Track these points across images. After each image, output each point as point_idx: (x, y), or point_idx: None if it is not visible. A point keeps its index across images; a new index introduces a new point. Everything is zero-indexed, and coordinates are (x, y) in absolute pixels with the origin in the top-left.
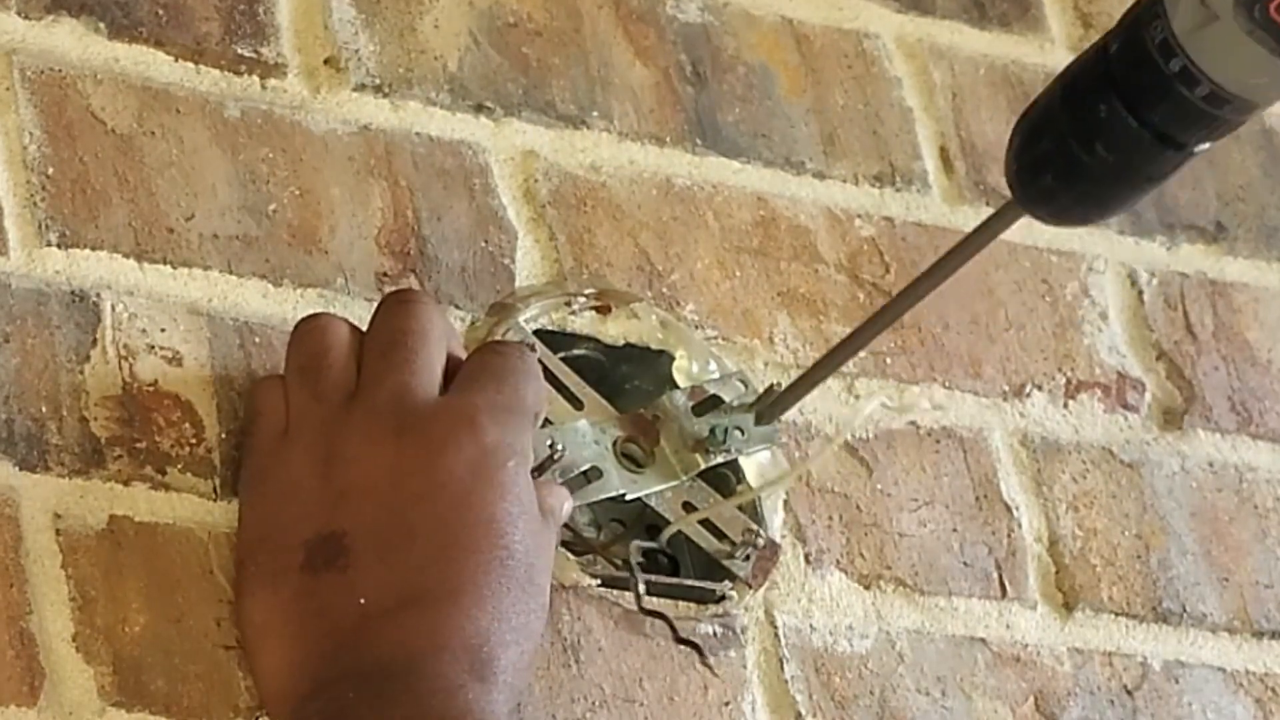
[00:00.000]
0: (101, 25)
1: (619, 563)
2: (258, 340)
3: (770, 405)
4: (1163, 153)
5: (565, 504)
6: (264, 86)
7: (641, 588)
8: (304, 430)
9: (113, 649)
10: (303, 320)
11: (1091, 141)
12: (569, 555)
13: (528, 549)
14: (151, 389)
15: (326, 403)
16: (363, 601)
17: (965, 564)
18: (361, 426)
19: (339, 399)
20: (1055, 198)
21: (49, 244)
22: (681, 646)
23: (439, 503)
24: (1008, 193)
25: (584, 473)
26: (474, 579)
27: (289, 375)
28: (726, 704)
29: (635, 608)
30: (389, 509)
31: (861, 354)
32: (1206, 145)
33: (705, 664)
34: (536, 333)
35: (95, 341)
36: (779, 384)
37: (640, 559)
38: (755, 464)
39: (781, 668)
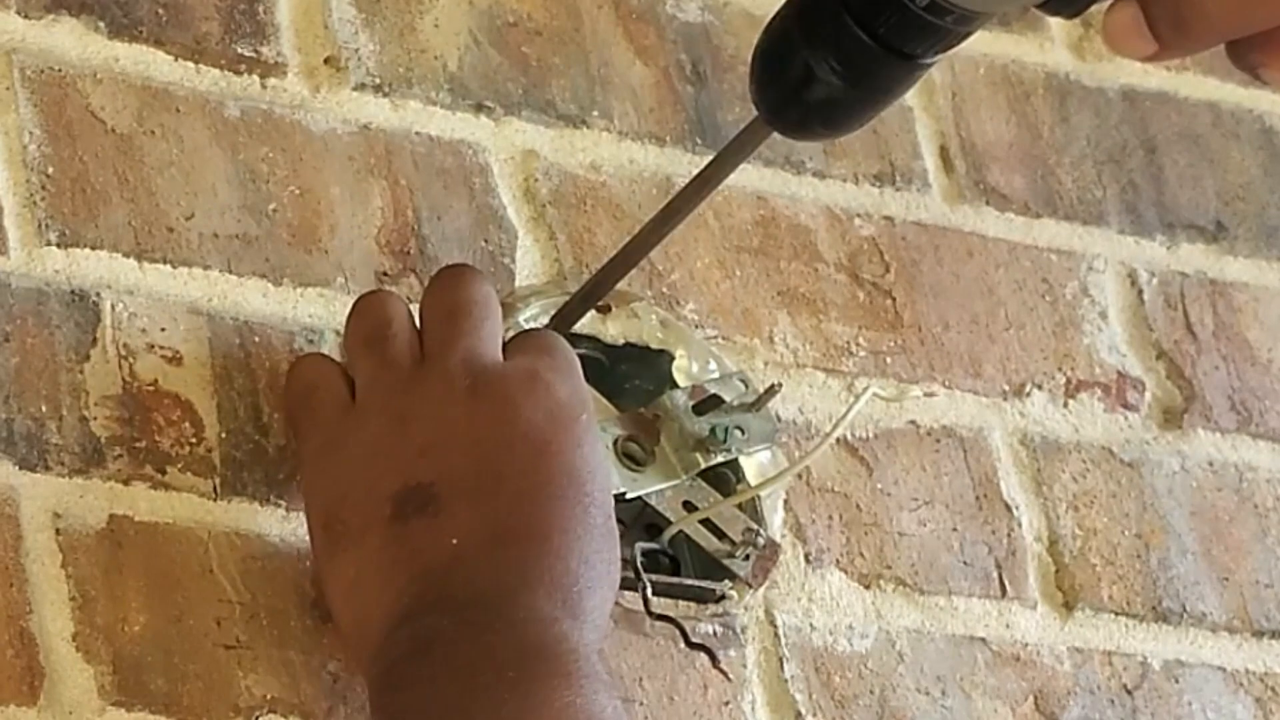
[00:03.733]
0: (101, 25)
1: None
2: (258, 340)
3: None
4: (895, 65)
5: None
6: (264, 86)
7: (649, 591)
8: (375, 395)
9: (113, 649)
10: (361, 297)
11: (826, 57)
12: None
13: (605, 499)
14: (151, 389)
15: (396, 368)
16: (455, 542)
17: (965, 563)
18: (435, 388)
19: (408, 364)
20: (800, 116)
21: (49, 243)
22: (688, 649)
23: (521, 450)
24: (1009, 193)
25: None
26: (560, 523)
27: (353, 346)
28: (726, 703)
29: (640, 609)
30: (473, 457)
31: (861, 354)
32: (936, 57)
33: (718, 668)
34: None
35: (95, 341)
36: (779, 384)
37: (642, 559)
38: (755, 463)
39: (781, 667)
